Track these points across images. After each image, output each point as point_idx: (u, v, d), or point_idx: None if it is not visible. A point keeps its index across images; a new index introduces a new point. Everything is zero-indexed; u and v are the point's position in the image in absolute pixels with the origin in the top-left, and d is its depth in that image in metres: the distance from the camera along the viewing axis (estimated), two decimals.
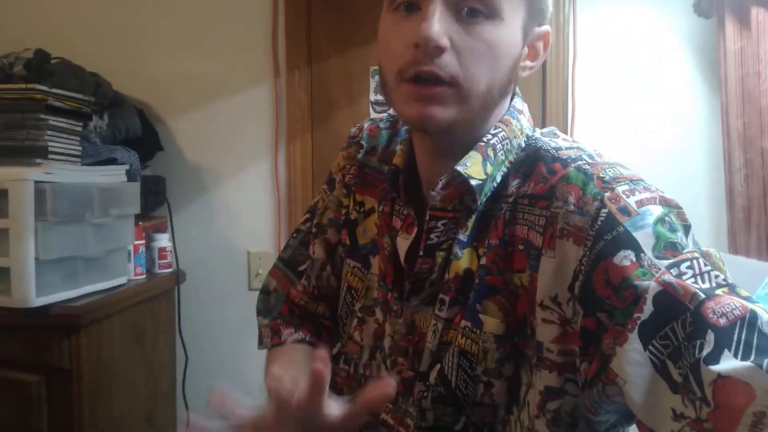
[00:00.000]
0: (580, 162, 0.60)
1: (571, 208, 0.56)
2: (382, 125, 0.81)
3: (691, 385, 0.45)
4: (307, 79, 1.94)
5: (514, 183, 0.64)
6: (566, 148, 0.63)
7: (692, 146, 1.89)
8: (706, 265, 0.51)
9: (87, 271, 1.46)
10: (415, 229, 0.68)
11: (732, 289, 0.49)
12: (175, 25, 1.95)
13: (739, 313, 0.46)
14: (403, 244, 0.69)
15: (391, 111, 0.75)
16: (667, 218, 0.54)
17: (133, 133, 1.73)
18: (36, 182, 1.30)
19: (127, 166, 1.62)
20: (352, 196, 0.80)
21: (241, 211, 1.95)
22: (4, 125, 1.35)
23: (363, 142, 0.80)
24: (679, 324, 0.48)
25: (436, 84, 0.58)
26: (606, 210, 0.54)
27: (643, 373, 0.49)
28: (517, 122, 0.66)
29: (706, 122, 1.88)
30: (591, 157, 0.61)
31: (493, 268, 0.62)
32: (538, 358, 0.59)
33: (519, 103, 0.69)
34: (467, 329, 0.63)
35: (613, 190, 0.56)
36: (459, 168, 0.62)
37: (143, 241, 1.74)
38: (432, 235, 0.66)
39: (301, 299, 0.84)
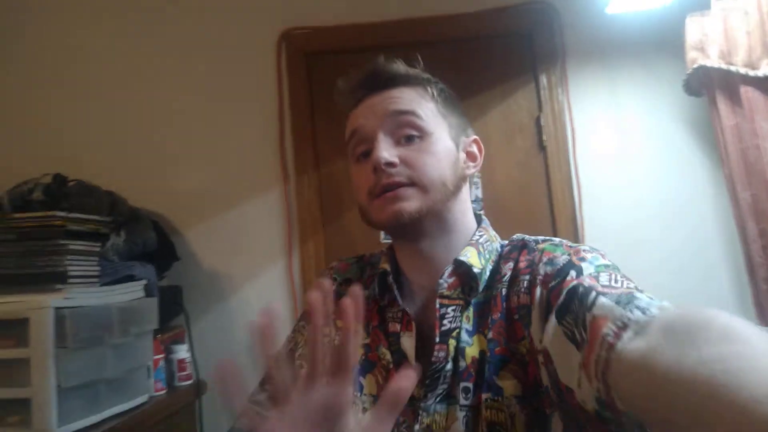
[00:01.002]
0: (554, 240, 0.75)
1: (545, 261, 0.69)
2: (350, 261, 0.91)
3: (583, 335, 0.55)
4: (316, 181, 2.00)
5: (507, 266, 0.74)
6: (543, 239, 0.77)
7: (703, 219, 1.90)
8: (622, 277, 0.62)
9: (108, 392, 1.44)
10: (414, 327, 0.74)
11: (636, 289, 0.58)
12: (185, 139, 2.03)
13: (623, 290, 0.56)
14: (408, 343, 0.74)
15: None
16: (608, 262, 0.67)
17: (149, 246, 1.75)
18: (56, 308, 1.30)
19: (144, 281, 1.63)
20: (333, 325, 0.81)
21: None
22: (25, 253, 1.37)
23: (335, 276, 0.89)
24: (578, 300, 0.58)
25: (399, 186, 0.73)
26: (568, 258, 0.67)
27: (560, 342, 0.58)
28: (492, 231, 0.82)
29: (713, 194, 1.90)
30: (559, 240, 0.76)
31: (500, 339, 0.69)
32: (547, 404, 0.64)
33: (485, 220, 0.84)
34: (489, 400, 0.66)
35: (577, 251, 0.69)
36: (462, 258, 0.74)
37: (162, 355, 1.72)
38: (445, 321, 0.72)
39: None
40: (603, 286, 0.59)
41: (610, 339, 0.49)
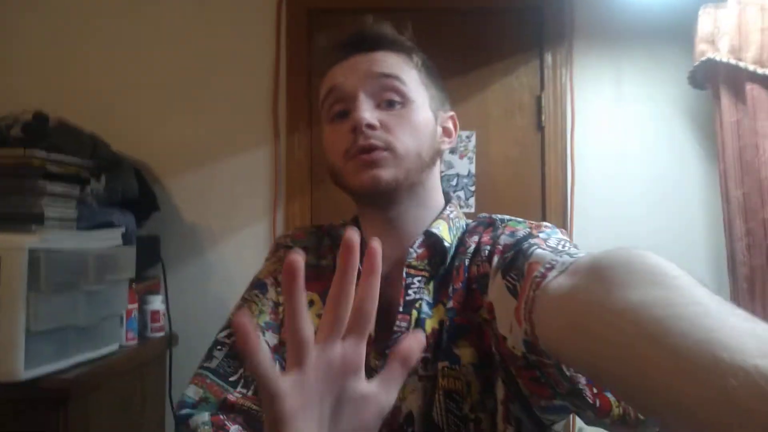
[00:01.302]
0: (519, 219, 0.76)
1: (506, 233, 0.70)
2: (308, 231, 0.88)
3: (521, 283, 0.56)
4: (307, 142, 1.95)
5: (471, 240, 0.75)
6: (510, 219, 0.77)
7: (690, 213, 1.90)
8: (572, 246, 0.62)
9: (78, 340, 1.40)
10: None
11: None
12: (175, 87, 1.96)
13: (555, 245, 0.60)
14: None
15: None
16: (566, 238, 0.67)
17: (130, 194, 1.70)
18: (30, 250, 1.26)
19: (123, 229, 1.59)
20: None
21: (237, 273, 1.91)
22: (0, 191, 1.32)
23: (291, 244, 0.85)
24: (522, 256, 0.60)
25: (375, 149, 0.71)
26: (529, 231, 0.68)
27: (502, 295, 0.60)
28: (460, 209, 0.83)
29: (704, 186, 1.90)
30: (526, 220, 0.76)
31: (459, 308, 0.70)
32: (494, 371, 0.65)
33: (454, 197, 0.86)
34: (446, 369, 0.67)
35: (538, 226, 0.70)
36: (433, 230, 0.74)
37: (135, 305, 1.69)
38: (410, 291, 0.72)
39: (244, 404, 0.71)
40: (549, 246, 0.60)
41: (538, 279, 0.51)
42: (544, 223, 0.72)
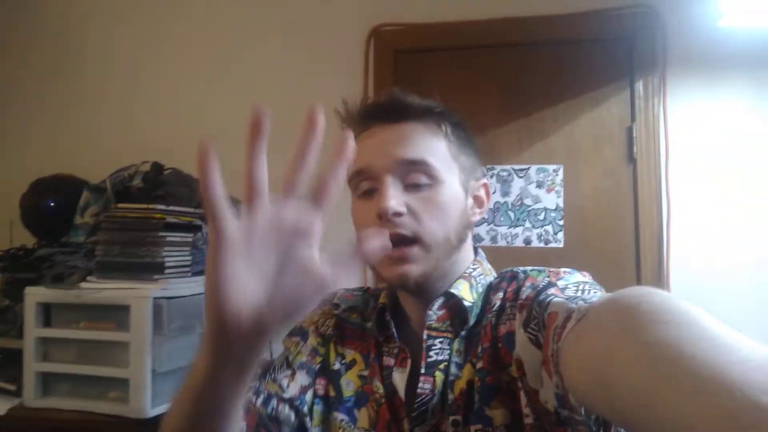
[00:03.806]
0: (541, 268, 0.75)
1: (527, 285, 0.70)
2: (356, 293, 0.91)
3: (543, 336, 0.57)
4: None
5: (496, 297, 0.74)
6: (532, 269, 0.76)
7: None
8: (591, 287, 0.63)
9: None
10: (409, 362, 0.74)
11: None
12: (273, 135, 2.06)
13: (574, 293, 0.61)
14: (399, 378, 0.74)
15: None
16: (586, 279, 0.68)
17: None
18: (154, 298, 1.39)
19: None
20: (332, 347, 0.83)
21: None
22: (127, 242, 1.46)
23: (338, 302, 0.88)
24: (537, 306, 0.62)
25: (404, 244, 0.70)
26: (548, 280, 0.68)
27: (527, 349, 0.61)
28: (487, 264, 0.81)
29: None
30: (547, 268, 0.75)
31: (489, 368, 0.69)
32: (525, 428, 0.64)
33: (481, 253, 0.84)
34: (480, 431, 0.67)
35: (557, 272, 0.70)
36: (453, 291, 0.74)
37: None
38: (431, 353, 0.72)
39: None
40: (567, 297, 0.60)
41: (558, 330, 0.52)
42: (563, 269, 0.71)
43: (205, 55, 2.15)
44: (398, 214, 0.70)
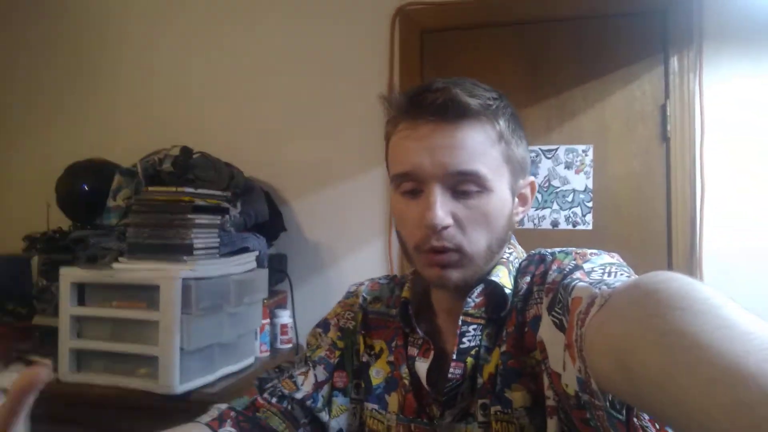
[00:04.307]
0: (567, 249, 0.74)
1: (554, 269, 0.69)
2: (381, 281, 0.92)
3: (567, 320, 0.57)
4: None
5: (524, 281, 0.74)
6: (559, 250, 0.75)
7: None
8: (618, 268, 0.64)
9: (221, 354, 1.57)
10: (432, 353, 0.75)
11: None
12: (296, 112, 2.09)
13: (600, 276, 0.61)
14: (422, 368, 0.75)
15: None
16: (613, 260, 0.68)
17: (261, 218, 1.85)
18: (183, 279, 1.42)
19: (257, 252, 1.73)
20: (361, 340, 0.85)
21: None
22: (157, 224, 1.49)
23: (365, 295, 0.90)
24: (562, 290, 0.61)
25: (446, 251, 0.70)
26: (575, 263, 0.68)
27: (551, 332, 0.61)
28: (519, 247, 0.81)
29: None
30: (575, 249, 0.74)
31: (513, 352, 0.70)
32: (546, 410, 0.65)
33: (512, 237, 0.82)
34: (498, 413, 0.68)
35: (584, 254, 0.70)
36: (494, 278, 0.73)
37: (267, 320, 1.84)
38: (464, 339, 0.72)
39: (267, 410, 0.80)
40: (592, 281, 0.60)
41: (582, 315, 0.52)
42: (591, 251, 0.70)
43: (226, 37, 2.17)
44: (445, 228, 0.68)
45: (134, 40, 2.28)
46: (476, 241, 0.70)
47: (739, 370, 0.33)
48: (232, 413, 0.79)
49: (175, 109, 2.21)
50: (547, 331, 0.63)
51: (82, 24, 2.32)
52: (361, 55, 2.03)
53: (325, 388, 0.82)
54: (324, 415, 0.80)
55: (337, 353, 0.85)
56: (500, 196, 0.72)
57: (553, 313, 0.62)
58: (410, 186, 0.72)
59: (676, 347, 0.37)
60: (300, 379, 0.82)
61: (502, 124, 0.72)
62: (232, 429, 0.76)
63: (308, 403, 0.80)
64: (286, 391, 0.81)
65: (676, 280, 0.43)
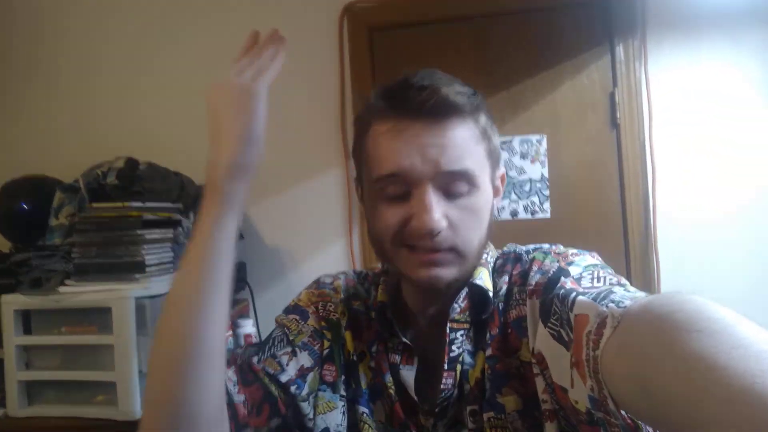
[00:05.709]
0: (543, 247, 0.75)
1: (535, 270, 0.69)
2: (357, 279, 0.88)
3: (570, 335, 0.56)
4: None
5: (501, 280, 0.73)
6: (534, 248, 0.76)
7: None
8: (605, 274, 0.64)
9: None
10: (415, 360, 0.73)
11: (618, 284, 0.60)
12: None
13: (603, 288, 0.58)
14: (408, 377, 0.72)
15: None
16: (596, 262, 0.69)
17: None
18: (136, 298, 1.36)
19: None
20: (350, 337, 0.79)
21: None
22: (104, 243, 1.42)
23: (341, 291, 0.85)
24: (558, 301, 0.60)
25: (440, 251, 0.67)
26: (558, 265, 0.67)
27: (549, 345, 0.60)
28: (490, 245, 0.79)
29: None
30: (549, 246, 0.75)
31: (499, 355, 0.68)
32: (543, 414, 0.64)
33: None
34: (492, 419, 0.66)
35: (565, 255, 0.70)
36: (477, 282, 0.72)
37: (230, 332, 1.78)
38: (453, 347, 0.70)
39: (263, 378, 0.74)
40: (585, 287, 0.60)
41: (594, 337, 0.51)
42: (571, 251, 0.69)
43: (166, 35, 2.09)
44: (440, 231, 0.66)
45: (71, 41, 2.15)
46: (469, 241, 0.69)
47: (755, 390, 0.33)
48: (238, 361, 0.74)
49: (117, 117, 2.11)
50: (544, 343, 0.61)
51: (12, 20, 2.18)
52: (310, 54, 1.98)
53: (310, 377, 0.75)
54: (306, 406, 0.73)
55: (326, 343, 0.78)
56: (486, 192, 0.71)
57: (550, 324, 0.60)
58: (399, 189, 0.68)
59: (693, 371, 0.38)
60: (284, 359, 0.74)
61: (483, 119, 0.71)
62: (234, 375, 0.71)
63: (292, 388, 0.73)
64: (270, 370, 0.73)
65: (690, 302, 0.43)
